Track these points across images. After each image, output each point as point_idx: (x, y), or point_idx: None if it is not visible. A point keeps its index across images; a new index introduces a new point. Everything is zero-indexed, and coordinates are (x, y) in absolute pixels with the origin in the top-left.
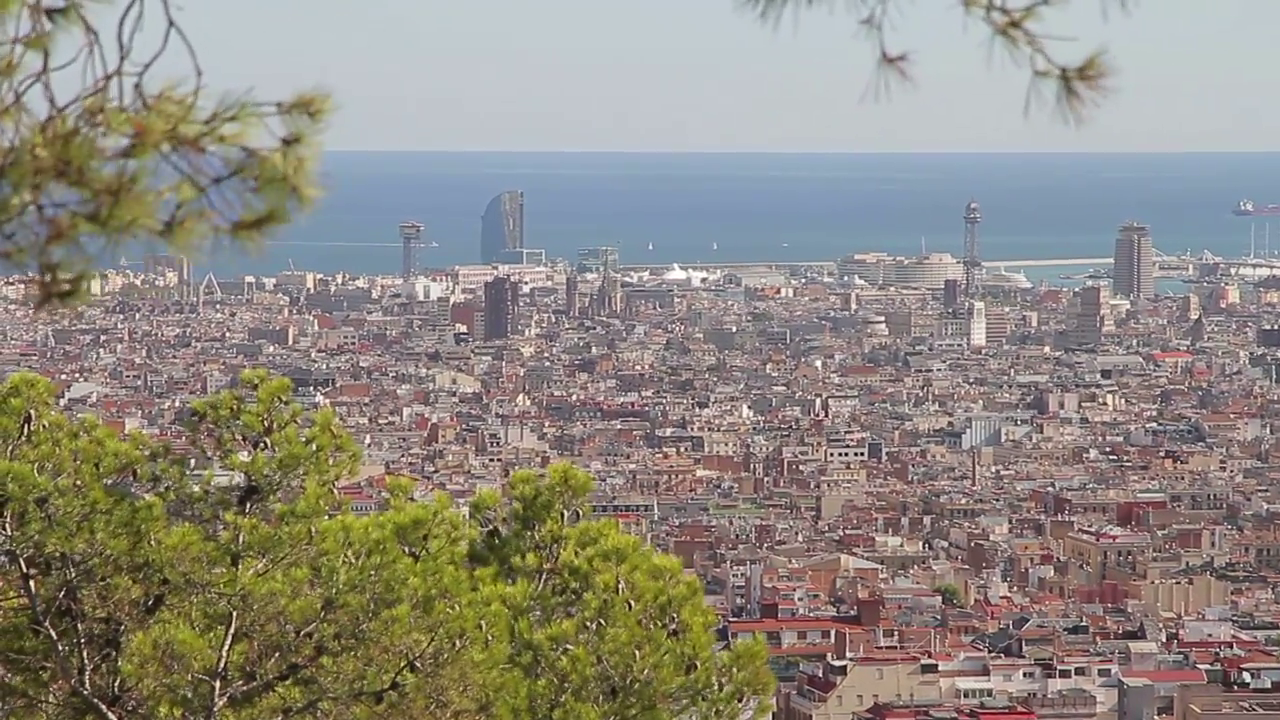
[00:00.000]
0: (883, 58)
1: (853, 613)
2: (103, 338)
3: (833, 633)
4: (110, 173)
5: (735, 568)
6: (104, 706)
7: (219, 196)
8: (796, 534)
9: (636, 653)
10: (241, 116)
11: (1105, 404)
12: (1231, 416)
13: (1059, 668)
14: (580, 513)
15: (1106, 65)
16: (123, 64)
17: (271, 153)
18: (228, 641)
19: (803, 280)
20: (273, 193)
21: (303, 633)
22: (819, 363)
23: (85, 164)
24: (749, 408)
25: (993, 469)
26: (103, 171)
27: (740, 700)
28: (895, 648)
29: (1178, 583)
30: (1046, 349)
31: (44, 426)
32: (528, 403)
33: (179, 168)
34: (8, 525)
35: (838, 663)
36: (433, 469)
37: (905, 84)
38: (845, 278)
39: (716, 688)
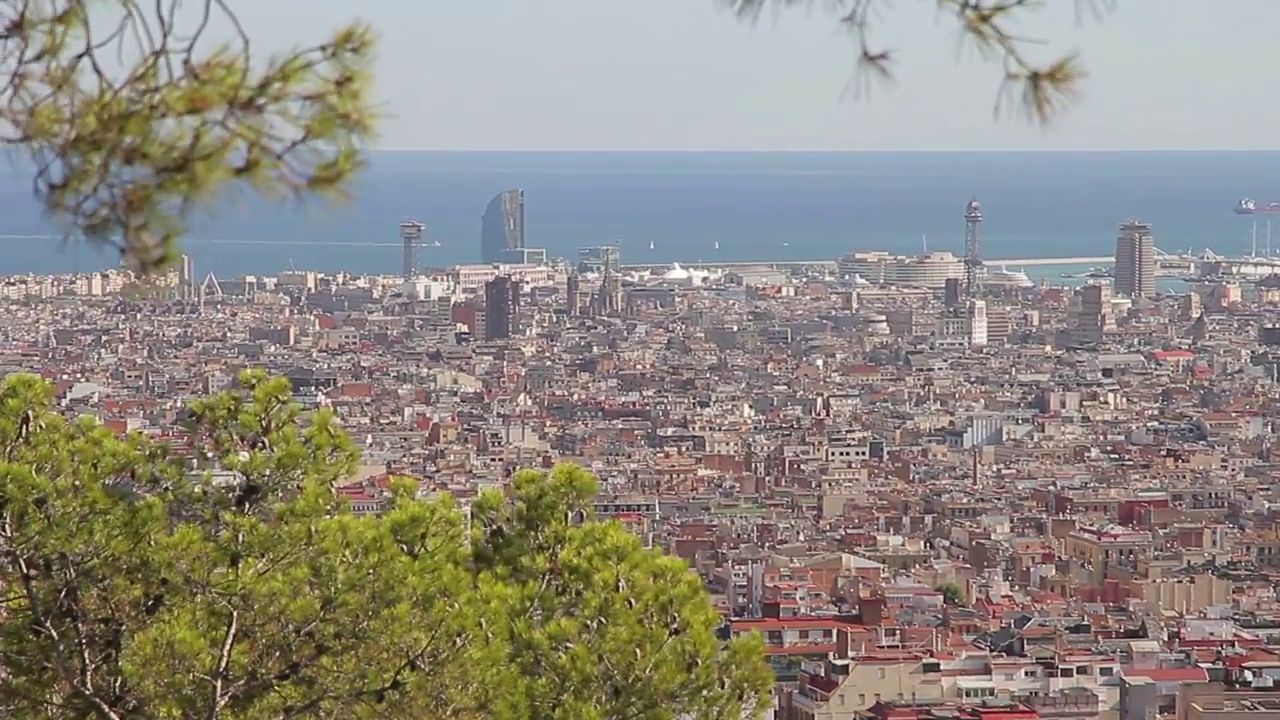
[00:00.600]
0: (863, 55)
1: (854, 612)
2: (104, 338)
3: (834, 632)
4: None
5: (737, 567)
6: (105, 706)
7: (290, 158)
8: (798, 533)
9: (637, 651)
10: (292, 73)
11: (1106, 403)
12: (1233, 415)
13: (1060, 667)
14: (584, 513)
15: (1076, 69)
16: (166, 40)
17: (328, 95)
18: (228, 641)
19: (804, 279)
20: (333, 131)
21: (303, 632)
22: (820, 362)
23: (145, 140)
24: (750, 407)
25: (994, 468)
26: (164, 143)
27: (740, 698)
28: (897, 647)
29: (1179, 581)
30: (1048, 348)
31: (42, 427)
32: (529, 402)
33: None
34: (7, 526)
35: (839, 662)
36: (434, 469)
37: (886, 82)
38: (846, 277)
39: (717, 686)
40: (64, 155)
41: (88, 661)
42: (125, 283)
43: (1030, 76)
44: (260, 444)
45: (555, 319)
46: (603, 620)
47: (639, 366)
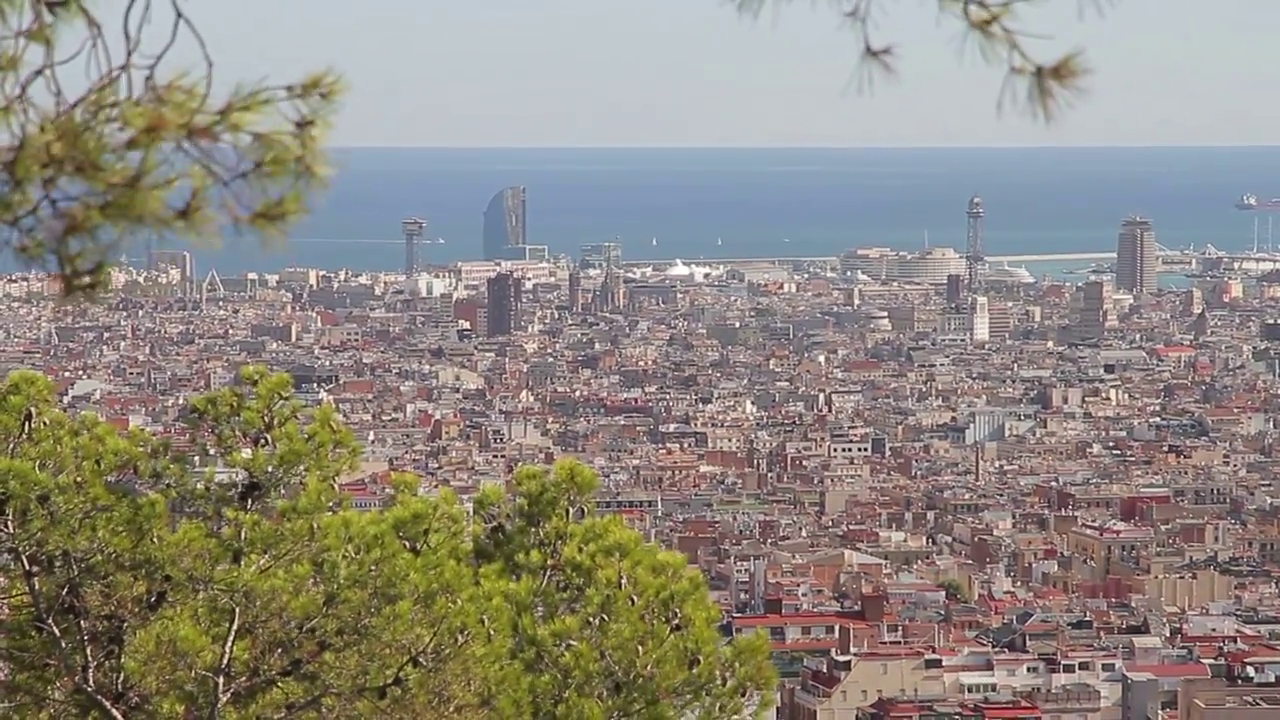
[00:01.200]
0: (866, 51)
1: (856, 608)
2: (106, 335)
3: (837, 628)
4: (123, 164)
5: (739, 563)
6: (108, 703)
7: (235, 189)
8: (800, 529)
9: (639, 648)
10: (254, 105)
11: (1108, 399)
12: (1235, 411)
13: (1063, 663)
14: (585, 510)
15: (1081, 64)
16: (130, 57)
17: (283, 135)
18: (230, 638)
19: (805, 276)
20: (284, 173)
21: (305, 628)
22: (822, 358)
23: (98, 157)
24: (752, 403)
25: (996, 464)
26: (115, 164)
27: (743, 695)
28: (899, 643)
29: (1181, 577)
30: (1050, 344)
31: (44, 424)
32: (531, 399)
33: (193, 156)
34: (9, 523)
35: (842, 658)
36: (436, 465)
37: (889, 77)
38: (848, 273)
39: (720, 682)
40: (8, 171)
41: (90, 658)
42: (127, 280)
43: (1035, 72)
44: (262, 441)
45: (557, 315)
46: (605, 617)
47: (641, 363)
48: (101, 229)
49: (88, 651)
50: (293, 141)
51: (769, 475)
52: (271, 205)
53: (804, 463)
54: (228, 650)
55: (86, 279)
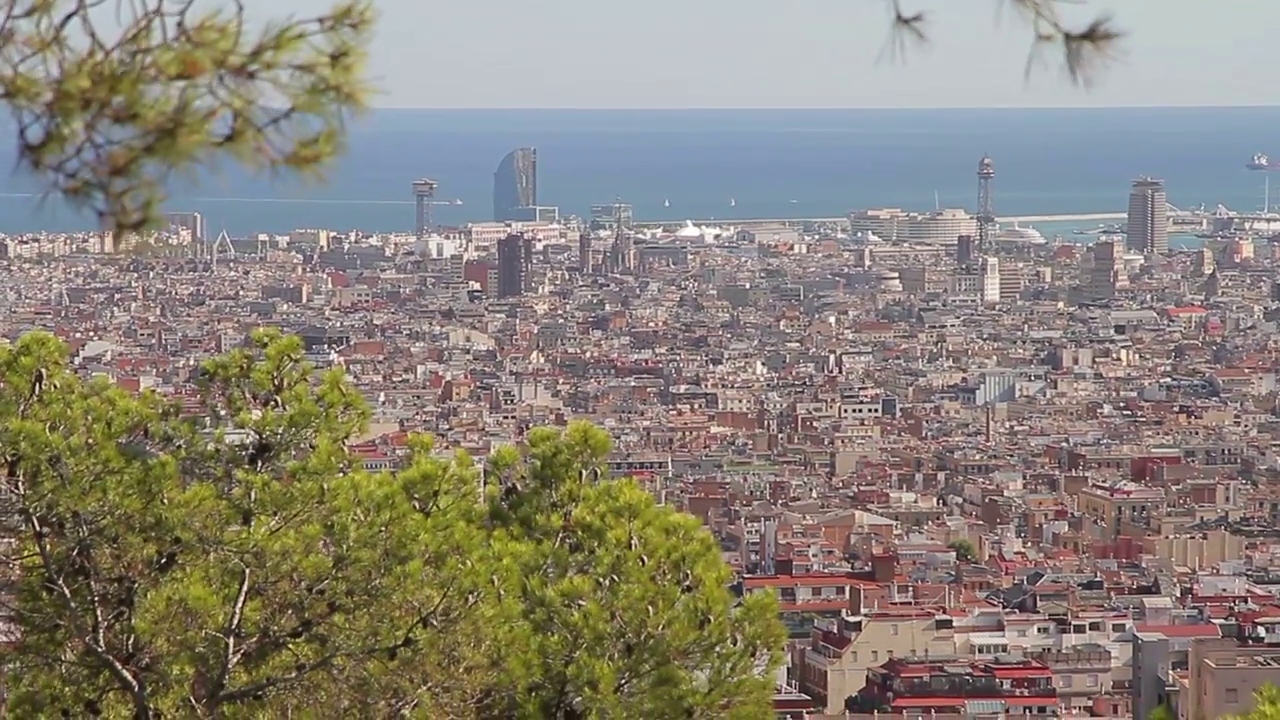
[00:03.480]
0: (897, 18)
1: (867, 569)
2: (117, 296)
3: (847, 589)
4: (162, 106)
5: (750, 524)
6: (118, 664)
7: (274, 130)
8: (811, 490)
9: (650, 609)
10: (285, 41)
11: (1119, 359)
12: (1246, 371)
13: (1073, 623)
14: (599, 472)
15: (1113, 29)
16: (162, 2)
17: (320, 66)
18: (241, 599)
19: (816, 236)
20: (321, 105)
21: (315, 589)
22: (833, 319)
23: (136, 101)
24: (763, 364)
25: (1007, 425)
26: (154, 105)
27: (753, 655)
28: (910, 604)
29: (1192, 538)
30: (1060, 304)
31: (55, 386)
32: (541, 360)
33: (229, 91)
34: (20, 484)
35: (852, 619)
36: (446, 426)
37: (921, 45)
38: (859, 234)
39: (730, 642)
40: (49, 114)
41: (100, 619)
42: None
43: (1066, 38)
44: (273, 402)
45: (568, 277)
46: (615, 578)
47: (651, 324)
48: (146, 167)
49: (98, 613)
50: (330, 72)
51: (779, 436)
52: (306, 146)
53: (814, 424)
54: (238, 611)
55: (136, 216)
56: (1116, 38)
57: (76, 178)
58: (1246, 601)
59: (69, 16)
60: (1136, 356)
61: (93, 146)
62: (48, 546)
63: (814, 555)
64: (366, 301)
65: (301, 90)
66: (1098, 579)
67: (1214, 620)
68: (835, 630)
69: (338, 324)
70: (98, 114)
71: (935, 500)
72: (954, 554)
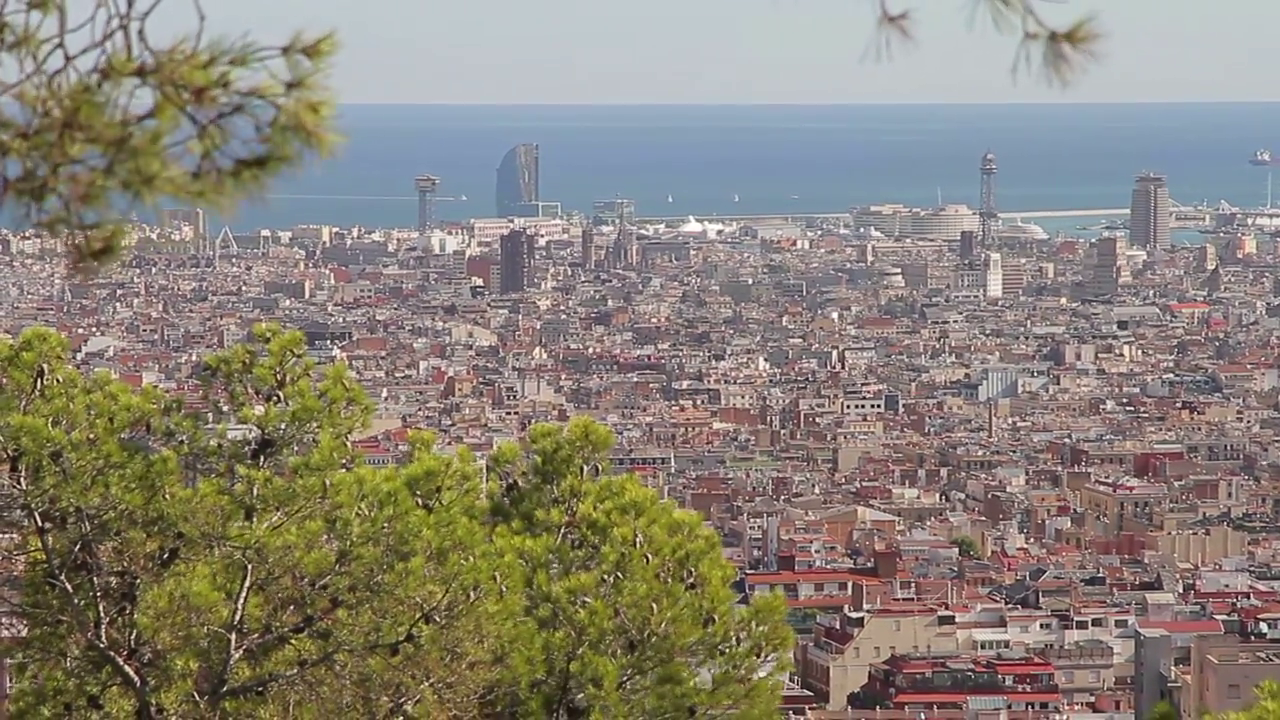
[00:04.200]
0: (883, 16)
1: (870, 564)
2: (119, 292)
3: (850, 584)
4: (121, 123)
5: (752, 520)
6: (120, 659)
7: (231, 150)
8: (813, 486)
9: (654, 606)
10: (243, 60)
11: (1122, 355)
12: (1248, 367)
13: (1076, 619)
14: (600, 467)
15: (1094, 29)
16: (129, 12)
17: (284, 99)
18: (243, 594)
19: (819, 232)
20: (286, 140)
21: (318, 585)
22: (835, 315)
23: (95, 117)
24: (765, 360)
25: (1009, 421)
26: (114, 123)
27: (758, 655)
28: (912, 599)
29: (1194, 533)
30: (1063, 300)
31: (57, 381)
32: (544, 356)
33: (194, 119)
34: (23, 479)
35: (855, 614)
36: (449, 422)
37: (906, 43)
38: (861, 230)
39: (734, 642)
40: (25, 140)
41: (103, 614)
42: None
43: (1049, 36)
44: (275, 398)
45: (570, 272)
46: (620, 575)
47: (654, 320)
48: (113, 196)
49: (100, 608)
50: (292, 104)
51: (782, 432)
52: (254, 157)
53: (817, 419)
54: (240, 607)
55: (99, 245)
56: (1096, 38)
57: (50, 211)
58: (1249, 597)
59: (52, 48)
60: (1139, 352)
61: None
62: (50, 541)
63: (816, 551)
64: (369, 297)
65: (269, 126)
66: (1100, 575)
67: (1216, 616)
68: (838, 626)
69: (340, 320)
70: (65, 136)
71: (938, 496)
72: (956, 550)
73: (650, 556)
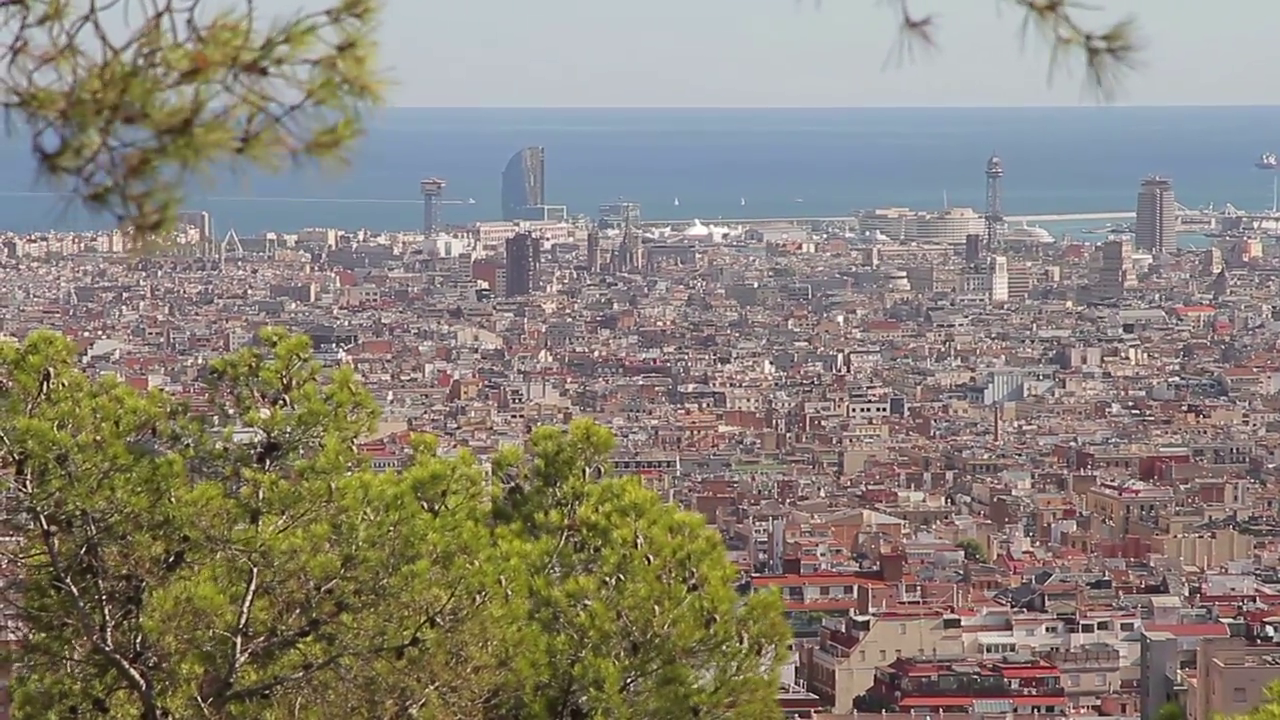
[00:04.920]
0: (905, 22)
1: (875, 568)
2: (125, 295)
3: (855, 588)
4: (174, 106)
5: (758, 523)
6: (126, 663)
7: (289, 121)
8: (819, 489)
9: (656, 607)
10: (294, 35)
11: (1128, 358)
12: (1254, 370)
13: (1081, 622)
14: (602, 469)
15: (1134, 35)
16: (171, 1)
17: (331, 59)
18: (249, 598)
19: (824, 236)
20: (335, 97)
21: (323, 589)
22: (841, 318)
23: (147, 102)
24: (771, 363)
25: (1015, 424)
26: (166, 106)
27: (759, 653)
28: (918, 603)
29: (1200, 537)
30: (1069, 304)
31: (63, 384)
32: (549, 359)
33: (242, 91)
34: (28, 482)
35: (860, 618)
36: (455, 425)
37: (928, 49)
38: (867, 233)
39: (736, 641)
40: (64, 119)
41: (108, 618)
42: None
43: (1087, 46)
44: (281, 401)
45: (576, 275)
46: (621, 577)
47: (659, 323)
48: (163, 168)
49: (106, 611)
50: (343, 64)
51: (787, 435)
52: (326, 133)
53: (822, 423)
54: (246, 610)
55: (154, 218)
56: (1137, 45)
57: (95, 183)
58: (1255, 601)
59: (81, 22)
60: (1145, 356)
61: (108, 150)
62: (55, 545)
63: (822, 554)
64: (375, 300)
65: (316, 84)
66: (1106, 578)
67: (1222, 619)
68: (843, 629)
69: (346, 323)
70: (110, 117)
71: (943, 499)
72: (962, 553)
73: (651, 558)
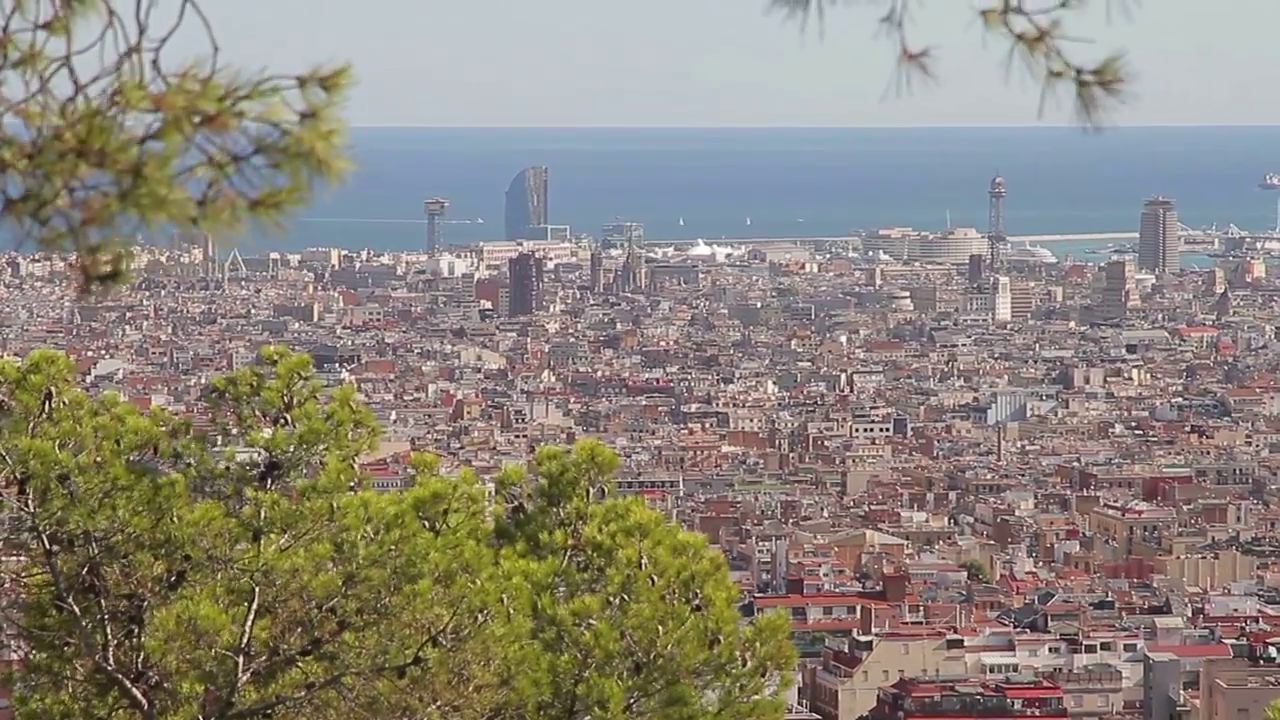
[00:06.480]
0: (903, 54)
1: (878, 588)
2: (128, 314)
3: (858, 608)
4: (133, 151)
5: (761, 543)
6: (128, 682)
7: (241, 176)
8: (822, 509)
9: (660, 628)
10: (257, 93)
11: (1131, 379)
12: (1257, 391)
13: (1084, 643)
14: (606, 489)
15: (1123, 68)
16: (140, 41)
17: (296, 127)
18: (250, 617)
19: (827, 255)
20: (297, 168)
21: (325, 608)
22: (844, 338)
23: (107, 144)
24: (774, 383)
25: (1018, 444)
26: (126, 151)
27: (763, 675)
28: (921, 623)
29: (1203, 558)
30: (1072, 324)
31: (64, 404)
32: (553, 379)
33: (203, 147)
34: (30, 502)
35: (863, 638)
36: (458, 445)
37: (926, 80)
38: (870, 253)
39: (740, 663)
40: (30, 160)
41: (110, 637)
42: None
43: (1077, 79)
44: (283, 420)
45: (579, 295)
46: (625, 597)
47: (663, 343)
48: (121, 219)
49: (108, 630)
50: (303, 132)
51: (790, 455)
52: (271, 194)
53: (826, 443)
54: (247, 629)
55: (106, 268)
56: (1127, 79)
57: (50, 228)
58: (1258, 621)
59: (59, 65)
60: (1148, 376)
61: (69, 192)
62: (57, 564)
63: (825, 574)
64: (378, 320)
65: (277, 150)
66: (1109, 599)
67: (1225, 640)
68: (846, 650)
69: (349, 342)
70: (75, 159)
71: (946, 520)
72: (965, 573)
73: (655, 578)
